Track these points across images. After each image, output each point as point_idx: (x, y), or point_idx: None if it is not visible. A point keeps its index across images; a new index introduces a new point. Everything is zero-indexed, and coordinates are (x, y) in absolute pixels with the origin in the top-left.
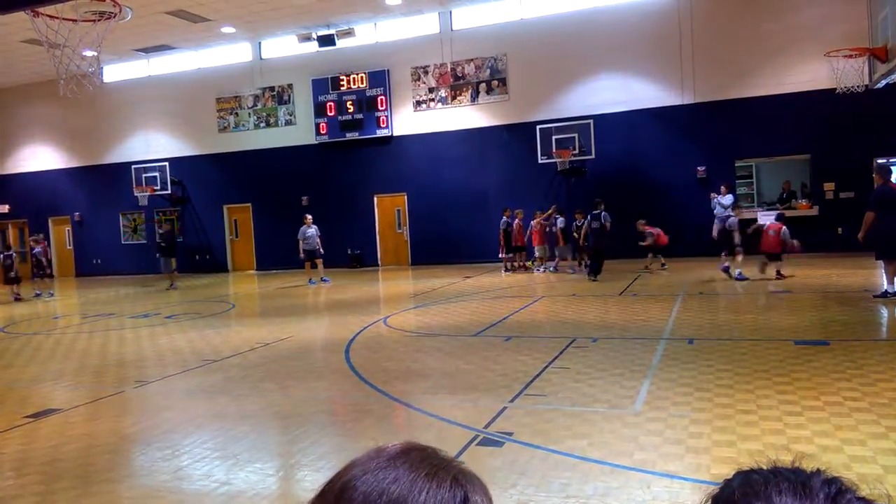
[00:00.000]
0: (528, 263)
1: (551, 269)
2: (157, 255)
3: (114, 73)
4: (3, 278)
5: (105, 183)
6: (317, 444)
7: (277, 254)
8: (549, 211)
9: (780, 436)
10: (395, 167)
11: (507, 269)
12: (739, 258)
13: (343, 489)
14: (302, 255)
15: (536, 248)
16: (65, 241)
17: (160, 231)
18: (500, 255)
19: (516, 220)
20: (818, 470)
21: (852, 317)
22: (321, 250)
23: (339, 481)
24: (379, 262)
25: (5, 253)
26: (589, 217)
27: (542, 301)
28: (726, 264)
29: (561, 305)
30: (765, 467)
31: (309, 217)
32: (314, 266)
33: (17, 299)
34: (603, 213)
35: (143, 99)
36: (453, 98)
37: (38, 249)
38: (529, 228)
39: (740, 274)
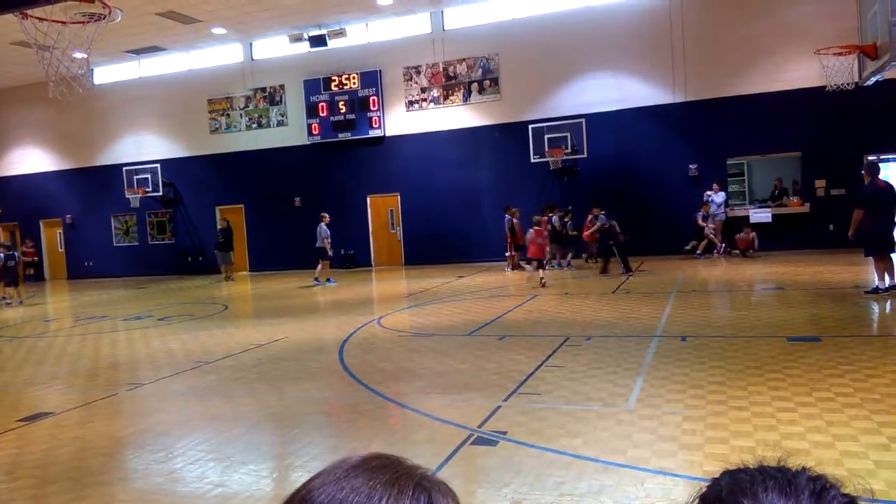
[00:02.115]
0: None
1: (556, 266)
2: (215, 250)
3: (104, 74)
4: (5, 281)
5: (96, 185)
6: (311, 445)
7: (270, 255)
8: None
9: (773, 432)
10: (387, 167)
11: (514, 268)
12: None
13: (301, 502)
14: (331, 252)
15: (548, 248)
16: (56, 244)
17: (219, 227)
18: (507, 254)
19: (513, 220)
20: (803, 468)
21: (844, 313)
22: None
23: (297, 496)
24: (372, 263)
25: (6, 254)
26: (600, 218)
27: (536, 300)
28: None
29: (554, 304)
30: (752, 466)
31: (326, 216)
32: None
33: (8, 303)
34: (608, 214)
35: (134, 100)
36: (445, 98)
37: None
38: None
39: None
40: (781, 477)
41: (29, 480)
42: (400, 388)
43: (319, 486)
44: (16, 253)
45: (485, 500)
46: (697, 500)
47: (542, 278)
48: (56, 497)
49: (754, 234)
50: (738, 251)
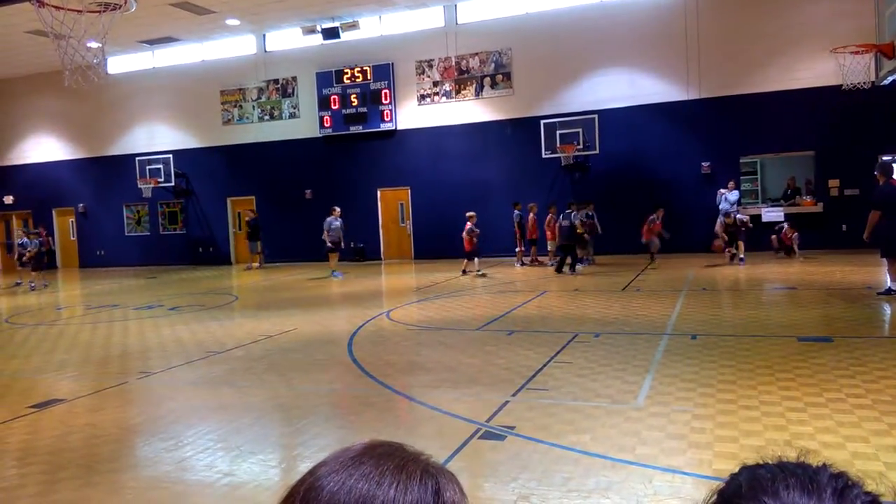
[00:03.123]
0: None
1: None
2: (247, 239)
3: (118, 64)
4: (32, 265)
5: (109, 174)
6: (319, 437)
7: (281, 247)
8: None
9: (783, 432)
10: (398, 161)
11: (522, 263)
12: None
13: (308, 490)
14: (329, 245)
15: (549, 244)
16: (69, 233)
17: (247, 219)
18: (516, 249)
19: (530, 214)
20: (824, 465)
21: (856, 314)
22: (342, 244)
23: (304, 483)
24: (382, 256)
25: (38, 240)
26: (560, 216)
27: (545, 296)
28: (741, 256)
29: (563, 300)
30: (770, 462)
31: (337, 209)
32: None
33: (33, 287)
34: (573, 213)
35: (148, 91)
36: (457, 92)
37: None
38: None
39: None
40: (803, 474)
41: (40, 467)
42: (408, 381)
43: (327, 474)
44: (41, 240)
45: (492, 495)
46: (716, 496)
47: (477, 270)
48: (67, 483)
49: (796, 233)
50: (792, 252)
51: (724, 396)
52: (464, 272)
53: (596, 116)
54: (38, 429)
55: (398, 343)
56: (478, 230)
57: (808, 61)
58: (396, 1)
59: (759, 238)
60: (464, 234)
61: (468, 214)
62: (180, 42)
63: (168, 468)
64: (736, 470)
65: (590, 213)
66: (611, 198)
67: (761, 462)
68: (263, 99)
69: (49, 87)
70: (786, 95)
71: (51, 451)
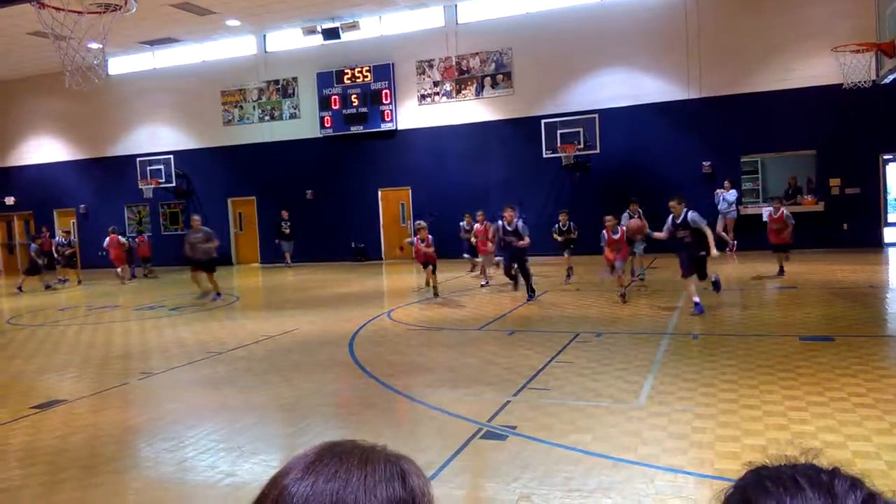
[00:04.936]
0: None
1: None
2: (276, 239)
3: (119, 65)
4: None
5: (110, 175)
6: (321, 436)
7: (281, 247)
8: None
9: (784, 431)
10: (399, 161)
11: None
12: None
13: (277, 500)
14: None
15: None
16: (70, 233)
17: (282, 219)
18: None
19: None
20: (834, 469)
21: (857, 313)
22: (213, 253)
23: (269, 496)
24: (383, 256)
25: (70, 239)
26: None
27: (546, 296)
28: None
29: (564, 300)
30: (776, 465)
31: (196, 219)
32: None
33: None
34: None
35: (148, 91)
36: (458, 92)
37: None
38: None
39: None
40: (815, 478)
41: (41, 467)
42: (409, 381)
43: (293, 483)
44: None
45: (494, 495)
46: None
47: (432, 284)
48: (68, 484)
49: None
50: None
51: (726, 396)
52: (431, 286)
53: (597, 116)
54: (39, 429)
55: (399, 343)
56: (432, 249)
57: (809, 60)
58: (397, 1)
59: (760, 237)
60: (417, 247)
61: (419, 226)
62: (181, 43)
63: (170, 469)
64: (742, 474)
65: (631, 214)
66: (611, 197)
67: (766, 464)
68: (264, 99)
69: (50, 89)
70: (787, 94)
71: (52, 451)
